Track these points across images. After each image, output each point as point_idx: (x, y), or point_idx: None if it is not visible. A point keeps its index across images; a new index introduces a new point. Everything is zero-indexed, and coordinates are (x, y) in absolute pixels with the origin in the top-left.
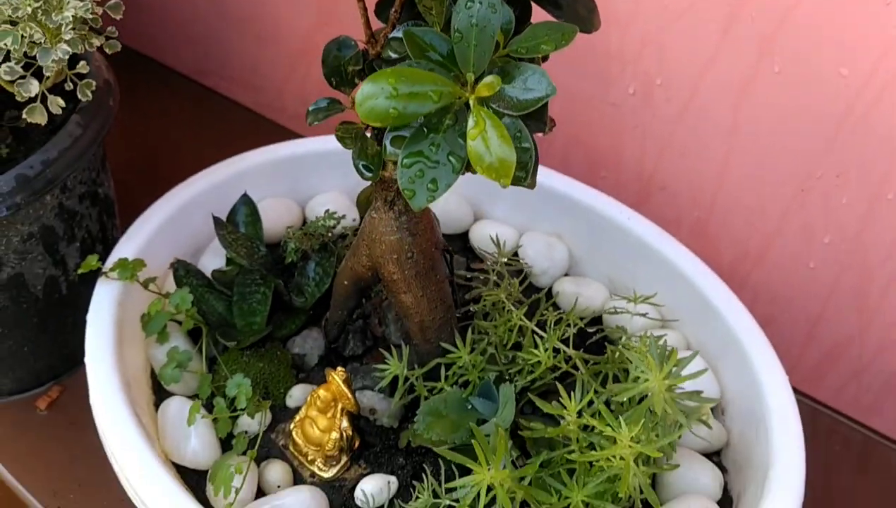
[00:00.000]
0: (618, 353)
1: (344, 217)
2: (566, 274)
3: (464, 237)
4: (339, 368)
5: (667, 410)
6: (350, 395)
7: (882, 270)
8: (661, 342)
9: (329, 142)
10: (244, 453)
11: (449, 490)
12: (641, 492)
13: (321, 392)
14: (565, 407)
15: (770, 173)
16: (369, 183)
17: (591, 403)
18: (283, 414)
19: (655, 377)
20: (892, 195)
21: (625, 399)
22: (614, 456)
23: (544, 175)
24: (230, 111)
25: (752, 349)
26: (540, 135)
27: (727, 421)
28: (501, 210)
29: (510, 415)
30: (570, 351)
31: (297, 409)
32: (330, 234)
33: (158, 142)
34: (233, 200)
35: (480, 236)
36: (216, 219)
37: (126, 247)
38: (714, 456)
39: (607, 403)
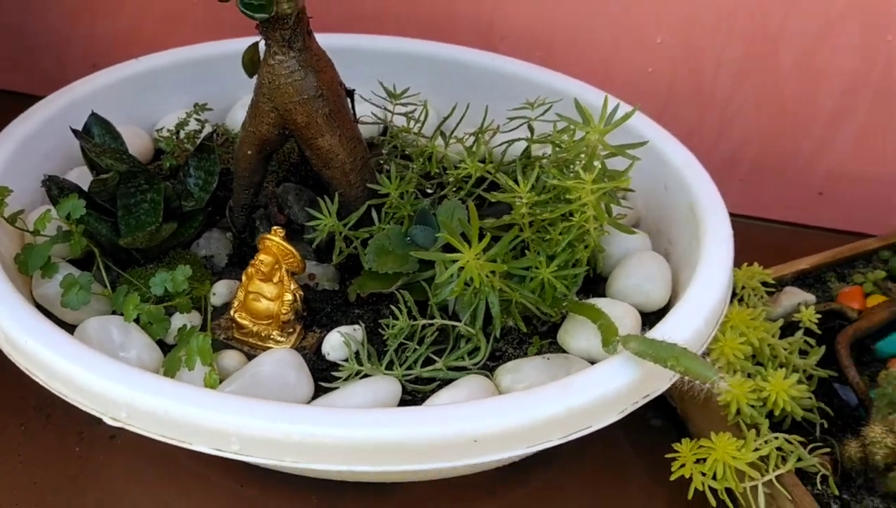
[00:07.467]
0: (531, 152)
1: (212, 109)
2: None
3: None
4: (275, 227)
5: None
6: (295, 251)
7: (710, 52)
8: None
9: (165, 57)
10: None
11: (416, 316)
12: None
13: (262, 257)
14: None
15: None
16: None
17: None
18: (212, 313)
19: (594, 128)
20: None
21: (571, 155)
22: (579, 208)
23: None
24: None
25: (653, 134)
26: None
27: (633, 202)
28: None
29: (462, 213)
30: (490, 166)
31: (225, 306)
32: (203, 131)
33: None
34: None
35: None
36: (77, 132)
37: None
38: None
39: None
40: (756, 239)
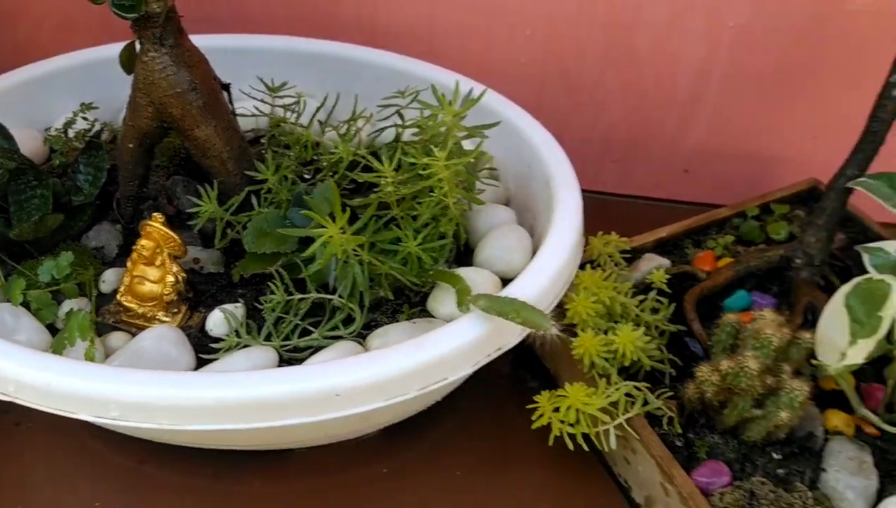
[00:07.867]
0: (402, 137)
1: (98, 108)
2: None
3: None
4: (154, 214)
5: (458, 142)
6: (175, 235)
7: (574, 42)
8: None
9: (57, 62)
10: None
11: (293, 292)
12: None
13: (144, 242)
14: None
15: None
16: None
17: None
18: (101, 300)
19: (448, 110)
20: None
21: (428, 136)
22: (436, 184)
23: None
24: None
25: (515, 117)
26: None
27: (504, 182)
28: None
29: (330, 193)
30: (362, 150)
31: (114, 293)
32: (93, 130)
33: None
34: None
35: None
36: None
37: None
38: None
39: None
40: (629, 215)
